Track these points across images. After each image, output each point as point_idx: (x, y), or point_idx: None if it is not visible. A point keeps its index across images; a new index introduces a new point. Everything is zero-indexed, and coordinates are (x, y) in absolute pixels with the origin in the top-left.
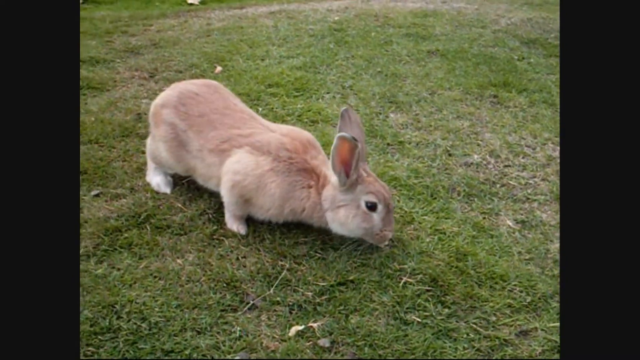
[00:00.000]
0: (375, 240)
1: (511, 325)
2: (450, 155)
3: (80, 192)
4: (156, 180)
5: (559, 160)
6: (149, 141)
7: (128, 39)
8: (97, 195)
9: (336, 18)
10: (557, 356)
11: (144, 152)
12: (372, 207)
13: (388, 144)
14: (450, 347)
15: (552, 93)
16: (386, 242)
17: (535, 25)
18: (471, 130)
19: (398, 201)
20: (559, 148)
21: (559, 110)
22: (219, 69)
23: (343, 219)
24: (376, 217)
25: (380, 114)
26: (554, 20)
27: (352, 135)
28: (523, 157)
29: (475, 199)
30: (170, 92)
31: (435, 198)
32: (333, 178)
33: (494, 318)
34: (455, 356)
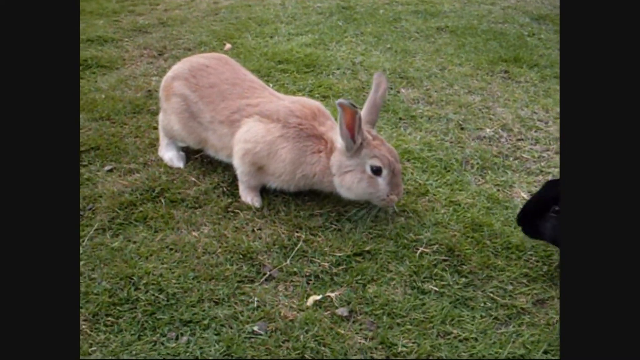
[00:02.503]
0: (383, 204)
1: (528, 294)
2: (462, 129)
3: (94, 168)
4: (169, 155)
5: None
6: (160, 116)
7: (135, 18)
8: (110, 171)
9: None
10: None
11: (155, 128)
12: (377, 171)
13: (400, 119)
14: (467, 315)
15: None
16: (393, 204)
17: (545, 1)
18: (483, 104)
19: (412, 173)
20: None
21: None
22: (228, 46)
23: (349, 184)
24: (381, 181)
25: (392, 89)
26: None
27: (371, 98)
28: (535, 131)
29: (489, 172)
30: (181, 65)
31: (448, 171)
32: (339, 144)
33: (510, 287)
34: (472, 324)
